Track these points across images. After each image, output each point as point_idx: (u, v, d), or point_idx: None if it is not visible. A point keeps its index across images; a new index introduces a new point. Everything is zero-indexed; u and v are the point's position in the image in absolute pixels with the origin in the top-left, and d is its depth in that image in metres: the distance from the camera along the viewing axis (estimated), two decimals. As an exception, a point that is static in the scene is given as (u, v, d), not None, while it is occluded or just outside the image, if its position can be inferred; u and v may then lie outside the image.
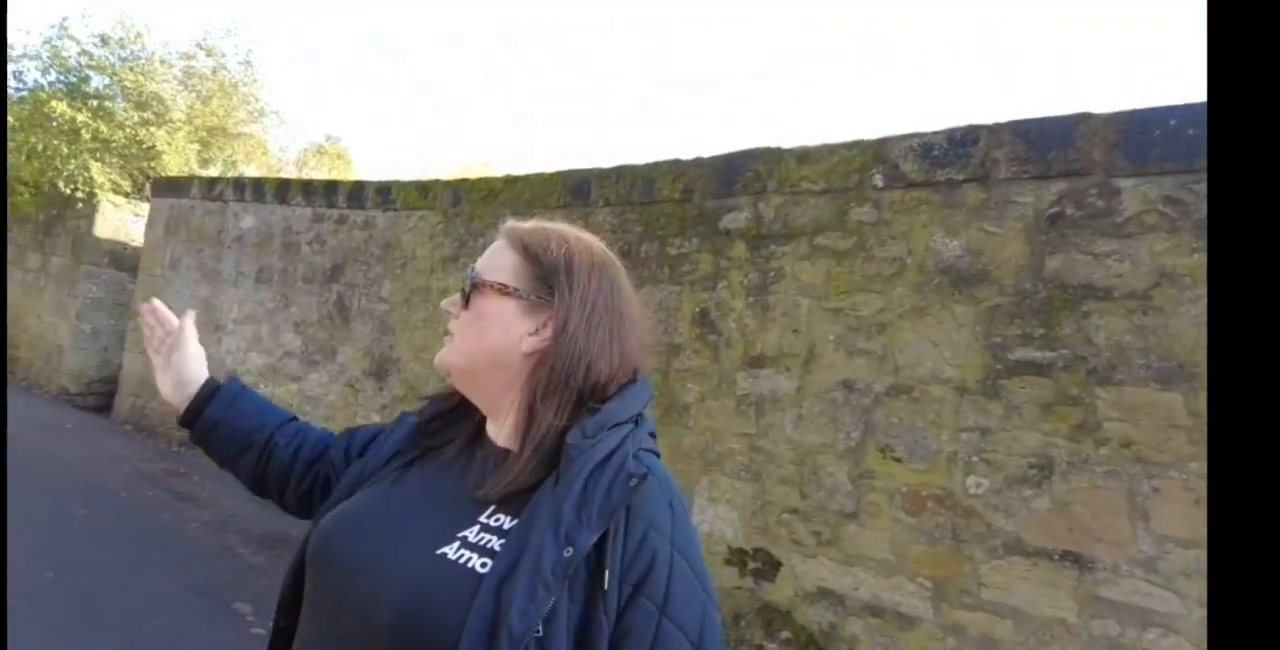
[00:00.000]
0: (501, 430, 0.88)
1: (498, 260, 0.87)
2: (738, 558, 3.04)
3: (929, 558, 2.53)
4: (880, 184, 2.95)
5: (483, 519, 0.80)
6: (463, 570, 0.74)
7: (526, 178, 4.61)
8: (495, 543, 0.77)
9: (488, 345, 0.85)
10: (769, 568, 2.93)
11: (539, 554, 0.73)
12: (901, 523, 2.61)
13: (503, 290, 0.85)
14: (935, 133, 2.87)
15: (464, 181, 5.17)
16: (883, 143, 3.00)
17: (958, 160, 2.77)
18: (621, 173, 3.98)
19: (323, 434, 1.13)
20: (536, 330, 0.85)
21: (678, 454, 3.35)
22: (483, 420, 0.92)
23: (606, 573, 0.74)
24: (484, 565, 0.75)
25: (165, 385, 1.12)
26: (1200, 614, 2.03)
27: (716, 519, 3.15)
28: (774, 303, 3.16)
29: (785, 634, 2.83)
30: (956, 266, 2.69)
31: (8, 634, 2.95)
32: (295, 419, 1.15)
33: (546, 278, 0.85)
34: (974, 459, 2.49)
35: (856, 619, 2.67)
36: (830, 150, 3.17)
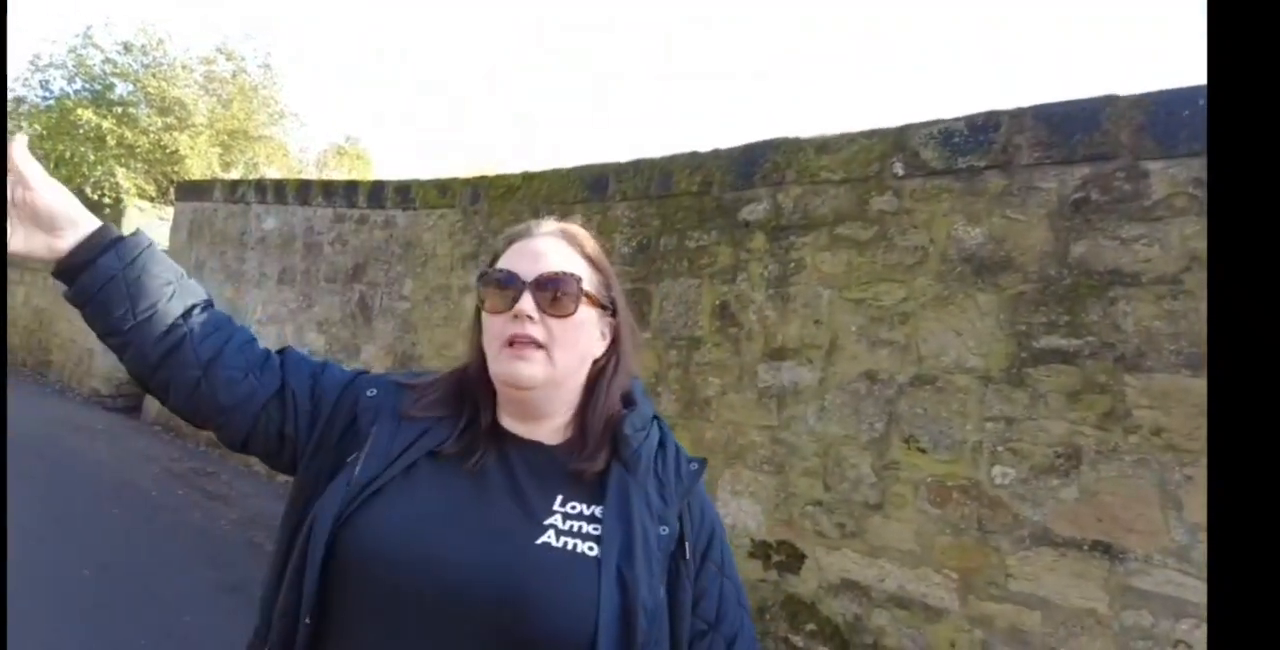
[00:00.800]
0: (539, 428, 0.91)
1: (575, 267, 0.90)
2: (762, 550, 3.02)
3: (955, 549, 2.50)
4: (900, 172, 2.92)
5: (558, 508, 0.84)
6: (575, 556, 0.79)
7: (544, 174, 4.61)
8: (587, 527, 0.82)
9: (581, 354, 0.90)
10: (793, 560, 2.92)
11: (644, 535, 0.82)
12: (927, 514, 2.59)
13: (591, 299, 0.89)
14: (955, 119, 2.83)
15: (483, 179, 5.18)
16: (902, 130, 2.96)
17: (979, 147, 2.73)
18: (639, 167, 3.97)
19: (246, 339, 0.95)
20: (603, 335, 0.93)
21: (700, 447, 3.34)
22: (490, 418, 0.92)
23: (688, 545, 0.86)
24: (591, 549, 0.80)
25: (22, 238, 0.85)
26: (1236, 604, 1.99)
27: (740, 512, 3.14)
28: (795, 294, 3.14)
29: (810, 626, 2.82)
30: (979, 254, 2.65)
31: (43, 630, 3.02)
32: (211, 302, 0.96)
33: (608, 286, 0.93)
34: (1000, 449, 2.46)
35: (882, 611, 2.65)
36: (849, 139, 3.13)
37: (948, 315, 2.67)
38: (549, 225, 0.94)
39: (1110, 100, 2.47)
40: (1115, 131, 2.44)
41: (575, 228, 0.95)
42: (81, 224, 0.88)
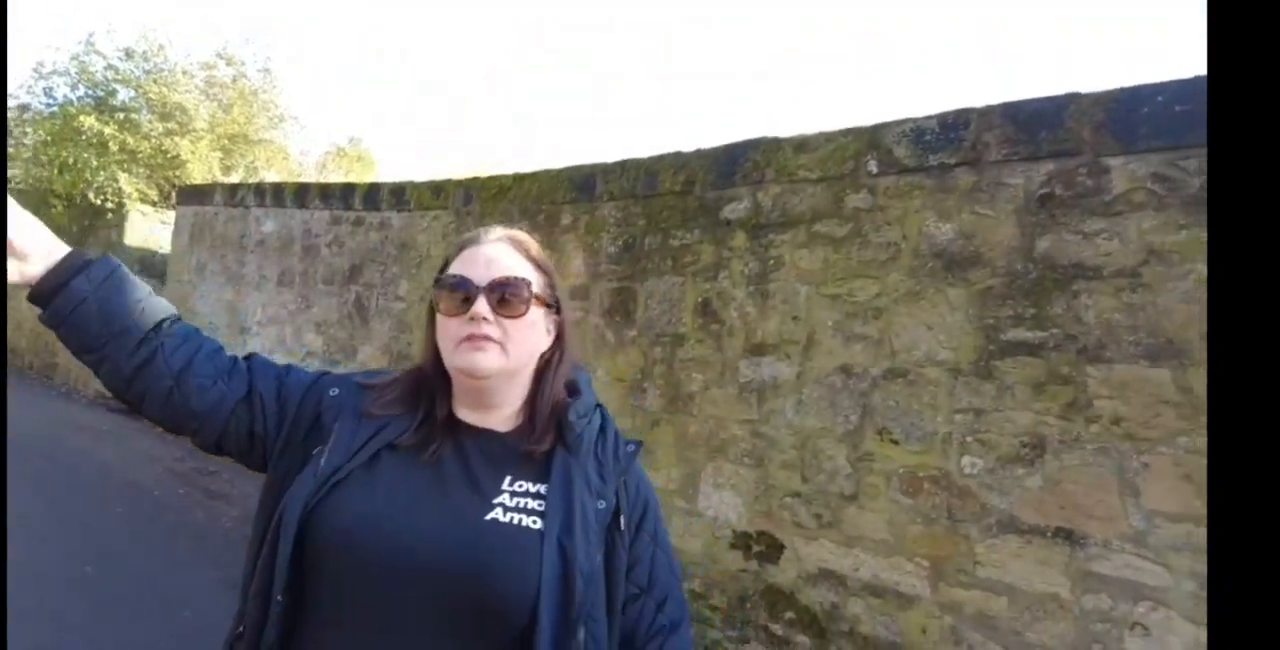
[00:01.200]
0: (491, 417, 1.00)
1: (523, 271, 0.99)
2: (742, 541, 3.09)
3: (926, 538, 2.57)
4: (874, 170, 2.97)
5: (506, 487, 0.93)
6: (520, 529, 0.89)
7: (535, 175, 4.68)
8: (532, 504, 0.92)
9: (531, 349, 1.00)
10: (772, 550, 2.99)
11: (584, 509, 0.92)
12: (899, 504, 2.65)
13: (539, 300, 0.99)
14: (927, 117, 2.89)
15: (475, 180, 5.26)
16: (877, 129, 3.02)
17: (949, 144, 2.79)
18: (625, 167, 4.04)
19: (214, 348, 1.02)
20: (548, 331, 1.02)
21: (684, 442, 3.41)
22: (446, 409, 1.00)
23: (623, 518, 0.97)
24: (535, 523, 0.90)
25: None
26: (1189, 587, 2.04)
27: (721, 504, 3.21)
28: (774, 291, 3.20)
29: (789, 615, 2.89)
30: (949, 250, 2.71)
31: (45, 628, 3.11)
32: (179, 317, 1.03)
33: (552, 287, 1.02)
34: (968, 439, 2.52)
35: (857, 599, 2.71)
36: (826, 138, 3.19)
37: (919, 310, 2.73)
38: (497, 232, 1.03)
39: (1073, 98, 2.52)
40: (1078, 128, 2.49)
41: (521, 234, 1.04)
42: (52, 250, 0.93)
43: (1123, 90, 2.43)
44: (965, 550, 2.47)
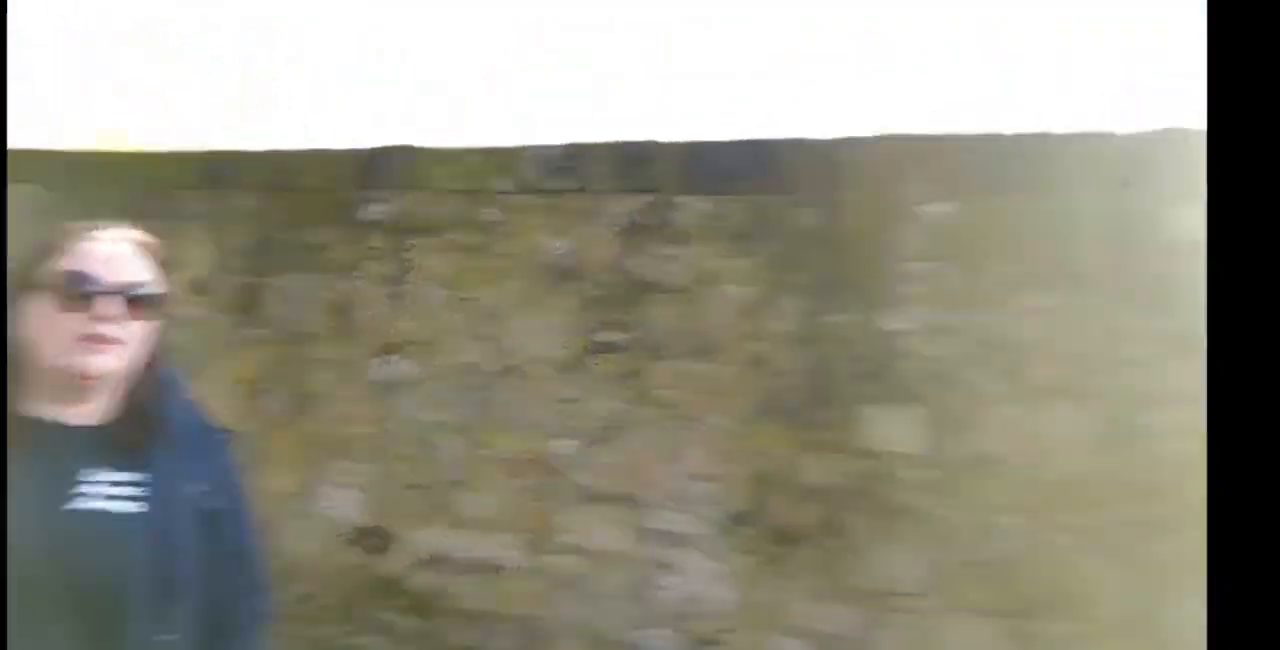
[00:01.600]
0: (82, 411, 1.02)
1: (148, 275, 1.05)
2: (360, 537, 3.16)
3: (525, 514, 2.91)
4: (505, 189, 3.30)
5: (101, 478, 0.98)
6: (114, 515, 0.96)
7: (161, 155, 4.27)
8: (131, 491, 0.98)
9: (141, 348, 1.05)
10: (386, 542, 3.11)
11: (184, 490, 1.03)
12: (506, 485, 2.96)
13: (158, 303, 1.07)
14: (553, 147, 3.29)
15: (85, 154, 4.59)
16: (510, 152, 3.35)
17: (567, 172, 3.21)
18: (266, 158, 3.89)
19: None
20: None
21: (307, 443, 3.37)
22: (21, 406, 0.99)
23: (213, 497, 1.09)
24: (136, 506, 0.98)
25: None
26: (707, 531, 2.63)
27: (344, 503, 3.24)
28: (407, 293, 3.35)
29: (401, 602, 3.03)
30: (560, 264, 3.11)
31: None
32: None
33: (162, 286, 1.09)
34: (563, 426, 2.92)
35: (463, 577, 2.96)
36: (465, 154, 3.45)
37: (532, 314, 3.09)
38: (120, 232, 1.08)
39: (656, 144, 3.10)
40: (661, 171, 3.07)
41: (142, 235, 1.10)
42: None
43: (689, 144, 3.06)
44: (556, 522, 2.85)
